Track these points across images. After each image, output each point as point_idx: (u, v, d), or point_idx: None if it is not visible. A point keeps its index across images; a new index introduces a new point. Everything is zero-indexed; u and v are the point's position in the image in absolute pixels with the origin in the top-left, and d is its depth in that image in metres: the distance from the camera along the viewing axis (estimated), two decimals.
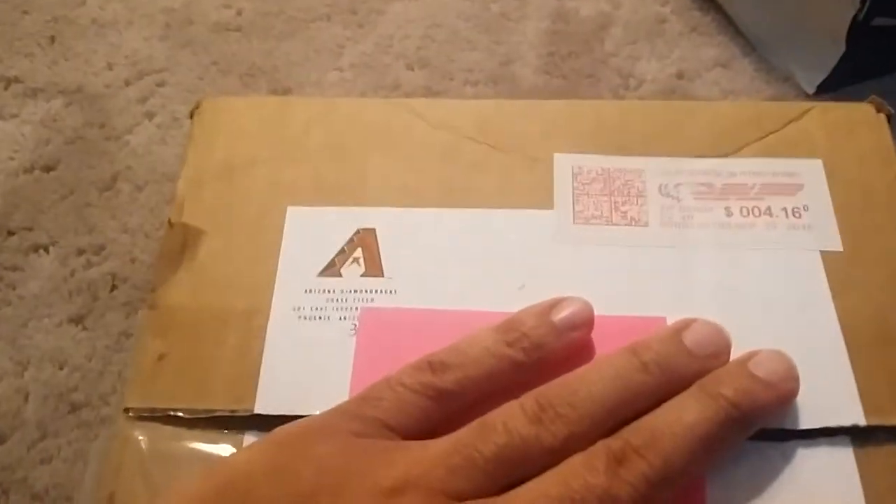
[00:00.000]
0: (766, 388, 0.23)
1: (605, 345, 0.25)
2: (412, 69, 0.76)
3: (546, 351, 0.24)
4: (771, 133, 0.31)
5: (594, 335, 0.26)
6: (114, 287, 0.43)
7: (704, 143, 0.31)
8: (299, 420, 0.23)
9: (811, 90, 0.75)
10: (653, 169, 0.30)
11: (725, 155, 0.31)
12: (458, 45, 0.77)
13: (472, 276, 0.28)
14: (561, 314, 0.25)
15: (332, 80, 0.75)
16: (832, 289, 0.27)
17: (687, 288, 0.28)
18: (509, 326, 0.24)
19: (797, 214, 0.29)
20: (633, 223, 0.29)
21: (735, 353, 0.25)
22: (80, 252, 0.51)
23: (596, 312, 0.26)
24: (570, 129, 0.32)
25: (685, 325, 0.24)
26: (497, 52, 0.76)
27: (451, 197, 0.30)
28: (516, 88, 0.75)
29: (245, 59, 0.76)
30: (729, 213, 0.29)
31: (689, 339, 0.24)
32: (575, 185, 0.30)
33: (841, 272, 0.28)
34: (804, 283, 0.27)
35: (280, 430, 0.22)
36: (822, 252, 0.28)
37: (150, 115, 0.66)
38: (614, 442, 0.21)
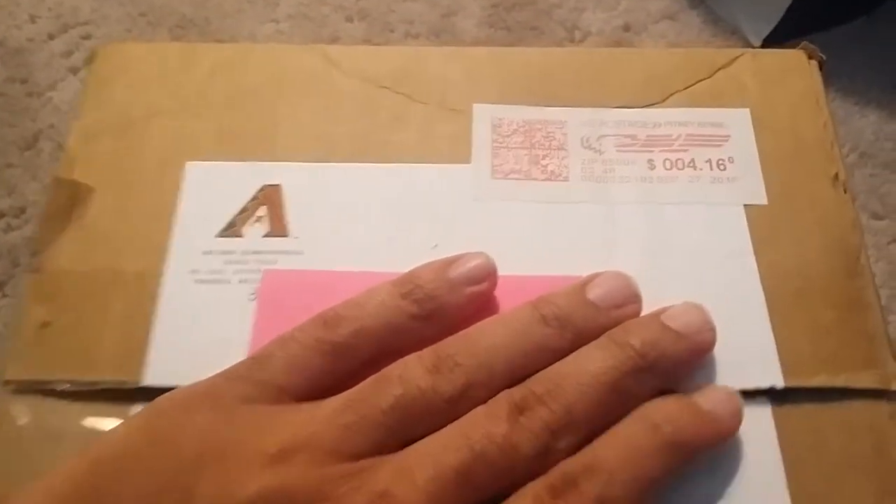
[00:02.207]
0: (678, 338, 0.22)
1: (518, 303, 0.24)
2: (351, 21, 0.74)
3: (441, 303, 0.23)
4: (699, 81, 0.30)
5: (509, 295, 0.25)
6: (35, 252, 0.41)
7: (630, 92, 0.30)
8: (182, 387, 0.21)
9: (757, 42, 0.74)
10: (575, 120, 0.29)
11: (651, 104, 0.29)
12: None
13: (384, 235, 0.27)
14: (458, 269, 0.23)
15: (267, 32, 0.72)
16: (755, 244, 0.26)
17: (607, 244, 0.26)
18: (405, 279, 0.23)
19: (721, 167, 0.28)
20: (554, 178, 0.28)
21: (657, 306, 0.24)
22: (0, 215, 0.49)
23: (512, 271, 0.25)
24: (492, 78, 0.30)
25: (591, 278, 0.24)
26: (439, 4, 0.73)
27: (365, 151, 0.28)
28: (458, 41, 0.72)
29: (175, 10, 0.72)
30: (652, 166, 0.28)
31: (594, 292, 0.23)
32: (494, 137, 0.29)
33: (765, 226, 0.27)
34: (726, 239, 0.26)
35: (161, 400, 0.21)
36: (745, 206, 0.27)
37: (74, 70, 0.63)
38: (517, 391, 0.21)
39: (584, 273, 0.26)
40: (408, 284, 0.23)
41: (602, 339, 0.22)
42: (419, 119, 0.29)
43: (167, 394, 0.21)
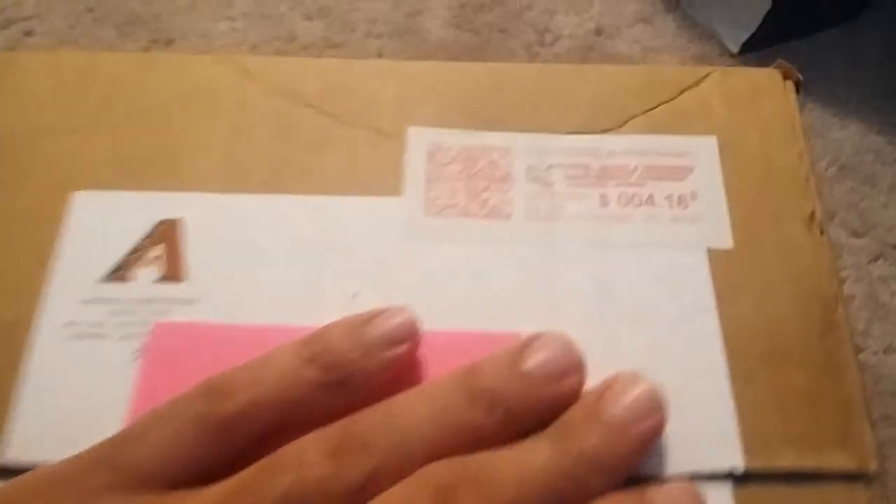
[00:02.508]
0: (622, 433, 0.19)
1: (448, 366, 0.21)
2: (310, 19, 0.70)
3: (353, 370, 0.20)
4: (662, 103, 0.27)
5: (439, 354, 0.22)
6: None
7: (585, 116, 0.26)
8: (36, 470, 0.18)
9: (735, 49, 0.71)
10: (522, 147, 0.26)
11: (607, 130, 0.26)
12: None
13: (298, 281, 0.23)
14: (376, 328, 0.20)
15: (221, 30, 0.68)
16: (718, 296, 0.23)
17: (552, 295, 0.23)
18: (312, 340, 0.20)
19: (683, 204, 0.25)
20: (495, 215, 0.25)
21: (604, 372, 0.21)
22: None
23: (444, 325, 0.22)
24: (430, 97, 0.27)
25: (526, 344, 0.20)
26: (404, 2, 0.70)
27: (281, 180, 0.25)
28: (423, 42, 0.69)
29: (124, 6, 0.68)
30: (605, 203, 0.25)
31: (530, 361, 0.20)
32: (430, 166, 0.25)
33: (729, 275, 0.24)
34: (686, 290, 0.23)
35: (6, 487, 0.17)
36: (709, 250, 0.24)
37: None
38: (445, 472, 0.18)
39: (525, 328, 0.22)
40: (315, 346, 0.20)
41: (543, 436, 0.19)
42: (346, 144, 0.26)
43: (16, 479, 0.18)
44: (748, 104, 0.27)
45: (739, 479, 0.20)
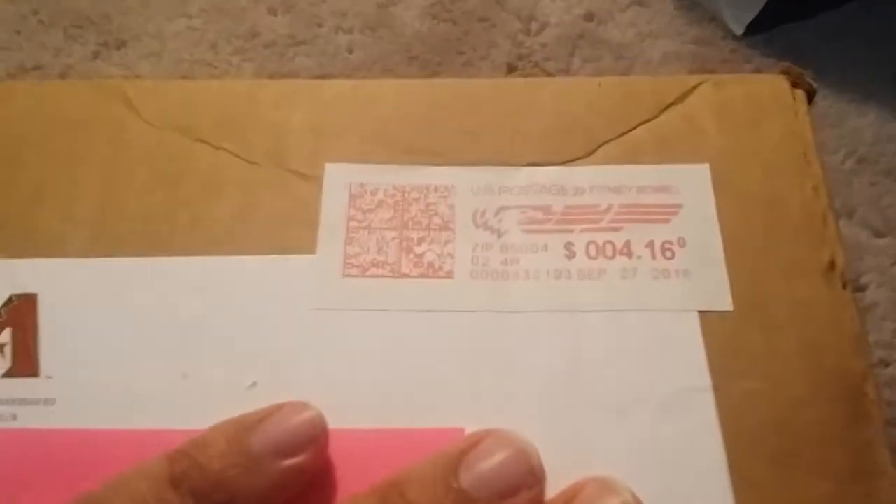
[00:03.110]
0: None
1: (371, 476, 0.16)
2: (274, 13, 0.64)
3: (236, 491, 0.15)
4: (640, 124, 0.21)
5: (356, 461, 0.17)
6: None
7: (545, 142, 0.21)
8: None
9: (739, 31, 0.65)
10: (467, 185, 0.21)
11: (573, 160, 0.21)
12: None
13: (180, 370, 0.18)
14: (267, 434, 0.16)
15: (176, 29, 0.62)
16: (715, 372, 0.18)
17: (504, 377, 0.18)
18: (183, 452, 0.15)
19: (668, 254, 0.20)
20: (433, 273, 0.20)
21: (571, 478, 0.16)
22: None
23: (365, 423, 0.17)
24: (354, 124, 0.22)
25: (465, 450, 0.15)
26: None
27: (165, 238, 0.20)
28: (397, 36, 0.63)
29: (71, 7, 0.63)
30: (571, 254, 0.20)
31: (469, 474, 0.15)
32: (352, 213, 0.20)
33: (730, 345, 0.19)
34: (674, 366, 0.18)
35: None
36: (702, 313, 0.19)
37: None
38: None
39: (470, 422, 0.18)
40: (183, 462, 0.15)
41: None
42: (246, 188, 0.21)
43: None
44: (748, 123, 0.21)
45: None
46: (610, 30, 0.65)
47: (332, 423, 0.17)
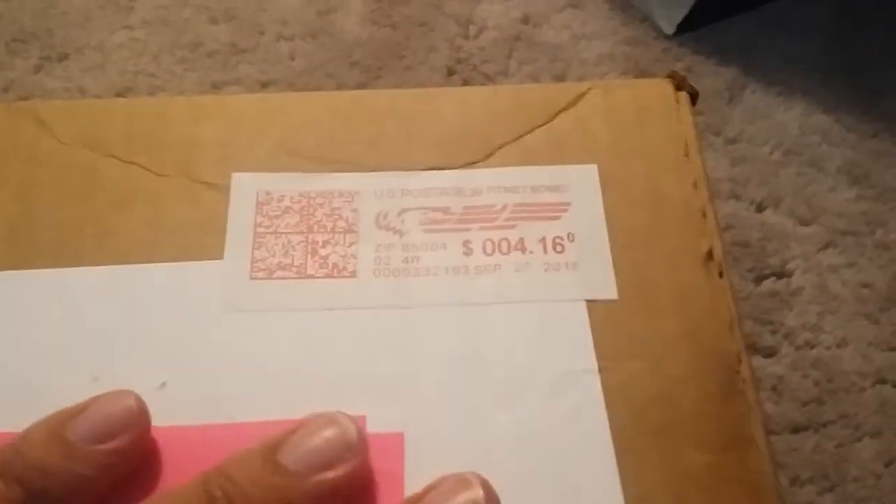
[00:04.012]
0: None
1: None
2: (216, 23, 0.65)
3: (60, 476, 0.16)
4: (534, 128, 0.23)
5: (208, 452, 0.18)
6: None
7: (445, 148, 0.22)
8: None
9: (670, 30, 0.67)
10: (370, 189, 0.22)
11: (471, 163, 0.22)
12: None
13: (89, 373, 0.19)
14: (82, 421, 0.17)
15: (119, 41, 0.62)
16: (601, 356, 0.19)
17: (406, 367, 0.19)
18: (7, 445, 0.16)
19: (559, 248, 0.21)
20: (337, 273, 0.21)
21: (471, 456, 0.18)
22: None
23: (272, 414, 0.18)
24: (262, 134, 0.23)
25: (288, 431, 0.17)
26: (316, 0, 0.65)
27: (75, 249, 0.21)
28: (338, 42, 0.64)
29: (13, 20, 0.63)
30: (468, 251, 0.21)
31: (289, 453, 0.16)
32: (258, 219, 0.21)
33: (615, 330, 0.20)
34: (563, 351, 0.20)
35: None
36: (589, 302, 0.20)
37: None
38: None
39: (376, 410, 0.19)
40: (7, 452, 0.16)
41: None
42: (155, 198, 0.21)
43: None
44: (634, 125, 0.23)
45: None
46: (546, 32, 0.67)
47: (239, 418, 0.18)
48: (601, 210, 0.21)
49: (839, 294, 0.56)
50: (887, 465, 0.51)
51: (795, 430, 0.52)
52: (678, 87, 0.23)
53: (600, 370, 0.19)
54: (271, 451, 0.16)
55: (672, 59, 0.65)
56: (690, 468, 0.18)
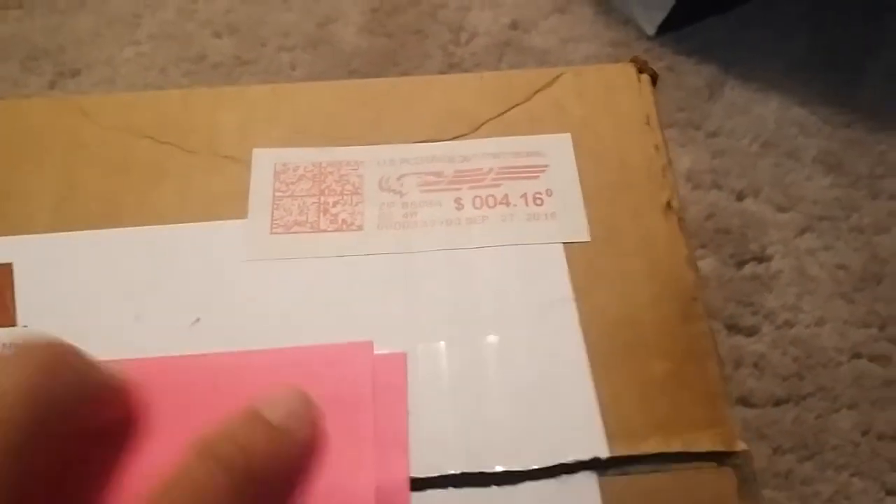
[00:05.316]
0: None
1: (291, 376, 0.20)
2: (219, 36, 0.68)
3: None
4: (515, 106, 0.26)
5: (277, 370, 0.21)
6: None
7: (437, 124, 0.26)
8: None
9: (652, 31, 0.71)
10: (373, 159, 0.25)
11: (460, 136, 0.25)
12: (270, 6, 0.69)
13: (136, 313, 0.22)
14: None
15: (127, 56, 0.66)
16: (576, 289, 0.23)
17: (409, 302, 0.22)
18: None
19: (538, 201, 0.24)
20: (346, 227, 0.24)
21: (468, 375, 0.21)
22: None
23: (293, 342, 0.21)
24: (277, 118, 0.26)
25: (258, 398, 0.17)
26: (315, 12, 0.69)
27: (118, 214, 0.24)
28: (337, 52, 0.68)
29: (26, 39, 0.66)
30: (460, 206, 0.24)
31: (274, 413, 0.17)
32: (277, 186, 0.24)
33: (588, 267, 0.23)
34: (544, 285, 0.23)
35: None
36: (566, 244, 0.23)
37: None
38: None
39: (384, 338, 0.22)
40: None
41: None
42: (186, 171, 0.25)
43: None
44: (602, 101, 0.26)
45: (603, 469, 0.20)
46: (534, 37, 0.70)
47: (264, 346, 0.21)
48: (575, 170, 0.25)
49: (816, 276, 0.59)
50: (864, 433, 0.54)
51: (777, 403, 0.54)
52: (640, 70, 0.27)
53: (576, 299, 0.22)
54: (252, 414, 0.16)
55: (655, 58, 0.69)
56: (653, 375, 0.21)
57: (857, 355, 0.56)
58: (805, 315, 0.58)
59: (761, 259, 0.60)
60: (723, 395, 0.21)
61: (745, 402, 0.54)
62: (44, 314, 0.22)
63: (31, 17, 0.69)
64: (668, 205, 0.24)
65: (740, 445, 0.20)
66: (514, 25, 0.69)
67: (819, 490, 0.53)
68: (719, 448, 0.20)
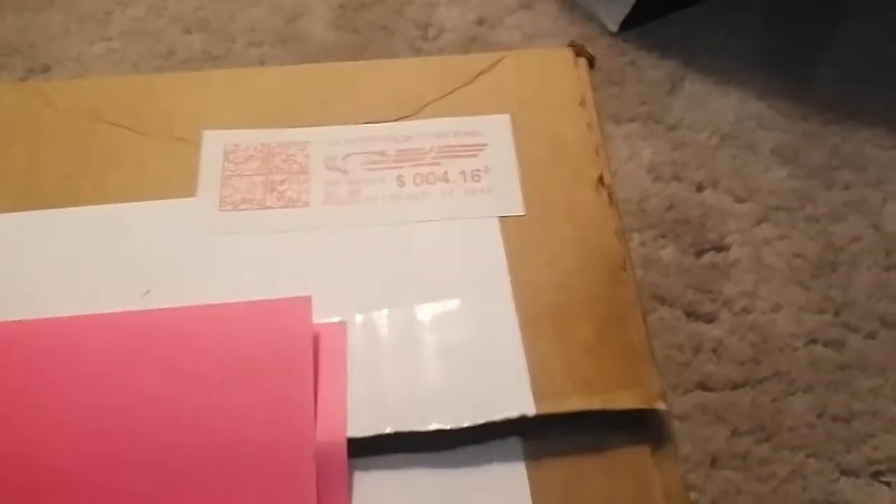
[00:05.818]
0: None
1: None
2: (189, 32, 0.69)
3: None
4: (457, 88, 0.27)
5: (218, 327, 0.22)
6: None
7: (381, 106, 0.27)
8: None
9: (614, 28, 0.72)
10: (320, 140, 0.26)
11: (404, 117, 0.27)
12: (240, 3, 0.70)
13: (90, 286, 0.23)
14: None
15: (98, 52, 0.67)
16: (511, 259, 0.24)
17: (353, 275, 0.24)
18: None
19: (476, 178, 0.25)
20: (292, 204, 0.25)
21: (406, 341, 0.22)
22: None
23: None
24: (229, 102, 0.27)
25: None
26: (283, 8, 0.69)
27: (74, 194, 0.25)
28: (305, 47, 0.69)
29: None
30: (401, 183, 0.25)
31: None
32: (226, 165, 0.26)
33: (521, 239, 0.24)
34: (480, 256, 0.24)
35: None
36: (501, 218, 0.25)
37: None
38: None
39: (329, 308, 0.23)
40: None
41: None
42: (140, 153, 0.26)
43: None
44: (540, 83, 0.27)
45: (527, 431, 0.21)
46: (500, 33, 0.72)
47: None
48: (512, 148, 0.26)
49: (773, 264, 0.61)
50: (819, 415, 0.56)
51: (734, 387, 0.56)
52: (578, 54, 0.28)
53: (509, 268, 0.24)
54: None
55: (617, 53, 0.70)
56: (580, 336, 0.23)
57: (813, 340, 0.58)
58: (762, 302, 0.59)
59: (720, 248, 0.62)
60: (646, 357, 0.22)
61: (703, 386, 0.56)
62: (5, 287, 0.23)
63: (2, 15, 0.70)
64: (601, 180, 0.25)
65: (660, 404, 0.22)
66: (480, 21, 0.71)
67: (776, 470, 0.54)
68: (640, 405, 0.21)
